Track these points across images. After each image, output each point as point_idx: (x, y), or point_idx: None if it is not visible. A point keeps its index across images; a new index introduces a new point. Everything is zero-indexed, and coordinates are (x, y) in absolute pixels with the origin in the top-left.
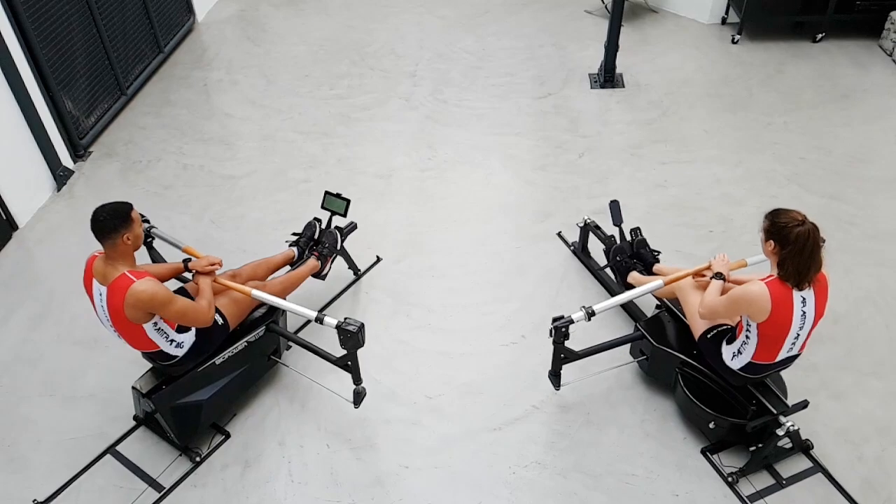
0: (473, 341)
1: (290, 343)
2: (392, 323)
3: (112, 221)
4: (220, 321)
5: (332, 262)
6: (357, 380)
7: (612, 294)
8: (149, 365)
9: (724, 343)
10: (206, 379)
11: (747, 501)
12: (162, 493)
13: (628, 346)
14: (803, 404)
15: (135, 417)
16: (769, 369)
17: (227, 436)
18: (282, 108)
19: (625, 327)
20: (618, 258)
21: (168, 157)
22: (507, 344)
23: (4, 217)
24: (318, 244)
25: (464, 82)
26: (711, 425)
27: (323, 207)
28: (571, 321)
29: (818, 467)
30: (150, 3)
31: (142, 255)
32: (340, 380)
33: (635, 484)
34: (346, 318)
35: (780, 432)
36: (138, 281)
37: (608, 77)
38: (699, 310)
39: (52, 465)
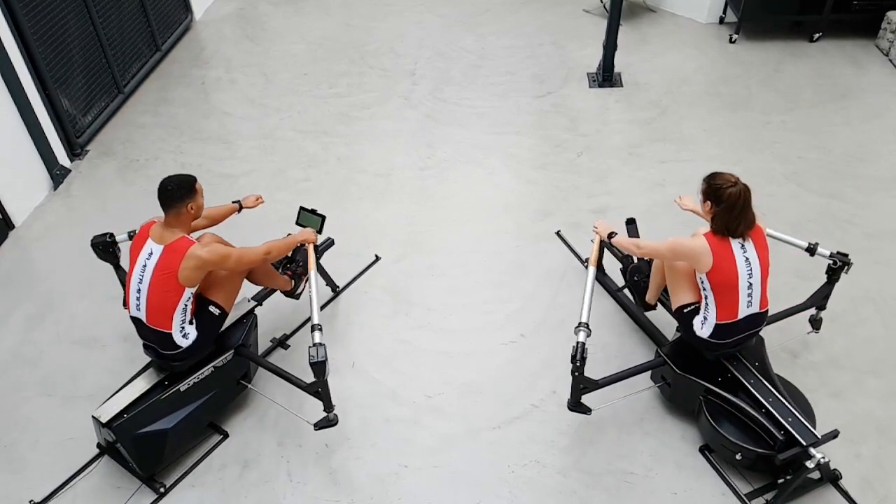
0: (473, 341)
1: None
2: (392, 322)
3: (179, 191)
4: (217, 312)
5: (307, 280)
6: (328, 407)
7: (629, 313)
8: (114, 389)
9: (695, 317)
10: (170, 406)
11: (745, 500)
12: (160, 493)
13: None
14: (833, 434)
15: (98, 445)
16: (738, 332)
17: (226, 435)
18: (281, 107)
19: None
20: (635, 278)
21: (166, 155)
22: (507, 343)
23: (1, 216)
24: (292, 262)
25: (464, 81)
26: (738, 457)
27: (297, 224)
28: (584, 344)
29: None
30: (147, 0)
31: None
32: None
33: (634, 482)
34: (321, 344)
35: (811, 465)
36: (198, 244)
37: (607, 76)
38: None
39: (50, 465)
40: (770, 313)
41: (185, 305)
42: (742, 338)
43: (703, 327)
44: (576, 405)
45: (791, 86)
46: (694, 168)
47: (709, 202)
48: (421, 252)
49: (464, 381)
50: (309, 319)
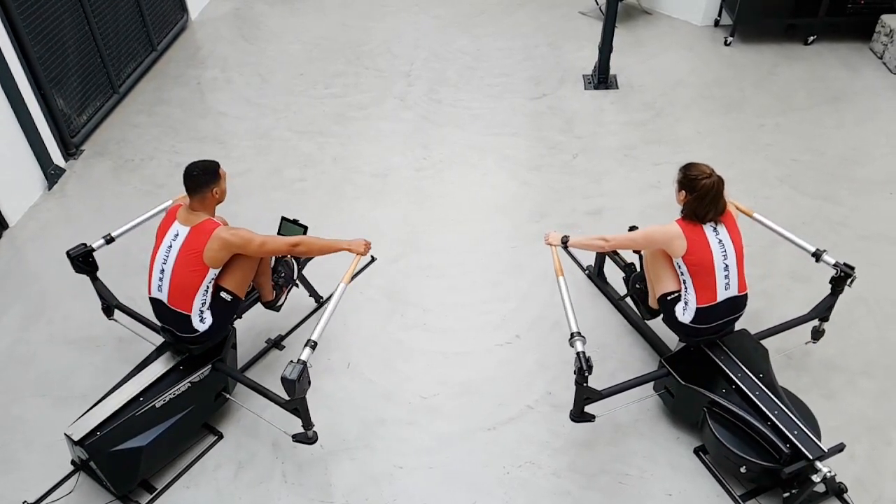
0: (470, 341)
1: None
2: (388, 322)
3: (204, 177)
4: (229, 298)
5: (288, 292)
6: (306, 425)
7: (632, 323)
8: (88, 405)
9: (676, 304)
10: (145, 423)
11: (740, 501)
12: (154, 493)
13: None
14: (839, 448)
15: (73, 462)
16: (718, 316)
17: (220, 436)
18: (277, 107)
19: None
20: (637, 286)
21: (161, 155)
22: (503, 344)
23: None
24: (274, 273)
25: (459, 82)
26: (743, 469)
27: (279, 234)
28: (584, 352)
29: None
30: (142, 0)
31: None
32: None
33: (629, 483)
34: (302, 362)
35: (817, 479)
36: (223, 227)
37: (602, 78)
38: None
39: (43, 465)
40: (770, 321)
41: (207, 288)
42: (723, 322)
43: (684, 313)
44: (579, 415)
45: (785, 88)
46: None
47: (683, 191)
48: (418, 252)
49: (459, 382)
50: (305, 320)
